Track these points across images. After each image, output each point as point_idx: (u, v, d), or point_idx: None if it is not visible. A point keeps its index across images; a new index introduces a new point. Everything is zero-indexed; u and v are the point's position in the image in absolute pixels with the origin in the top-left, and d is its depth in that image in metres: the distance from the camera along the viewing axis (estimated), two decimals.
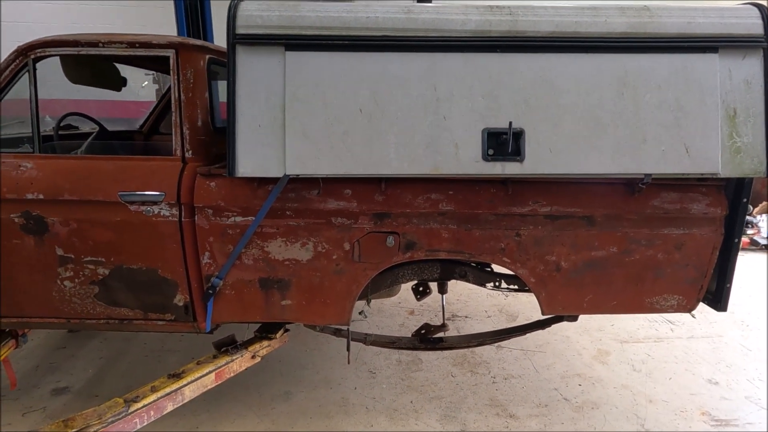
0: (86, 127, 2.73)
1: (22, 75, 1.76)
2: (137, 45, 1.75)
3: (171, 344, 2.86)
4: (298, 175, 1.60)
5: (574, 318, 2.11)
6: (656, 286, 1.81)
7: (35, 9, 6.03)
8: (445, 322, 2.47)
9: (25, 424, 2.16)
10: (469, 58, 1.58)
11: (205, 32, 3.94)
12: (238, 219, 1.74)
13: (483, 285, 2.18)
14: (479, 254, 1.79)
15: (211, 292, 1.79)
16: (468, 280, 2.16)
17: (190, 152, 1.79)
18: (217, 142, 1.92)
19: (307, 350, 2.85)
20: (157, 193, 1.72)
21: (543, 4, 1.62)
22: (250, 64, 1.57)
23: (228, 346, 1.99)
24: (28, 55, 1.75)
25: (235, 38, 1.55)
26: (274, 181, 1.68)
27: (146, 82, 4.45)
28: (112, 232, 1.75)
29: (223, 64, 2.04)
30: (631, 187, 1.70)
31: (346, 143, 1.58)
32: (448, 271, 2.12)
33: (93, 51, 1.75)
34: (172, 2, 3.79)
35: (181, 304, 1.85)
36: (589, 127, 1.58)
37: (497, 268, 2.01)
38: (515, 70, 1.58)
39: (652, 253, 1.76)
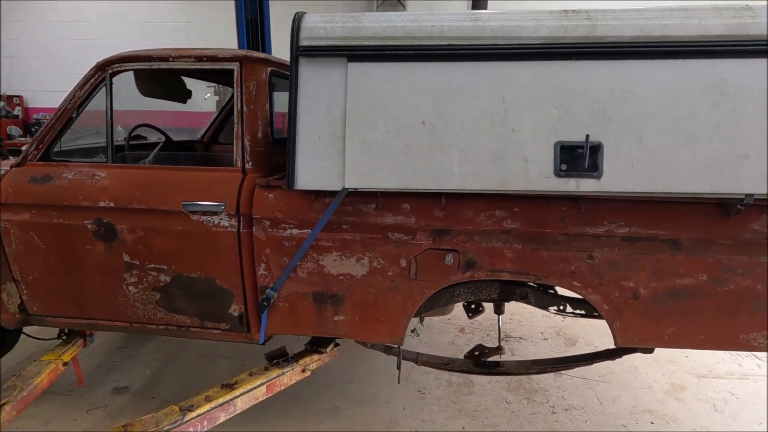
0: (153, 137, 2.88)
1: (101, 89, 1.86)
2: (204, 59, 1.79)
3: (223, 350, 2.91)
4: (356, 189, 1.56)
5: (649, 350, 1.90)
6: (754, 320, 1.59)
7: (117, 31, 6.55)
8: (501, 344, 2.34)
9: (89, 420, 2.26)
10: (540, 66, 1.48)
11: (264, 45, 4.06)
12: (295, 231, 1.72)
13: (545, 308, 2.03)
14: (546, 276, 1.65)
15: (265, 304, 1.78)
16: (529, 302, 2.01)
17: (250, 163, 1.81)
18: (275, 153, 1.93)
19: (354, 364, 2.80)
20: (218, 203, 1.74)
21: (624, 6, 1.49)
22: (312, 76, 1.56)
23: (279, 359, 1.97)
24: (106, 70, 1.84)
25: (298, 50, 1.55)
26: (331, 194, 1.65)
27: (208, 95, 4.67)
28: (175, 241, 1.79)
29: (283, 76, 2.06)
30: (727, 209, 1.51)
31: (407, 156, 1.52)
32: (507, 291, 1.99)
33: (164, 65, 1.81)
34: (234, 21, 3.97)
35: (236, 314, 1.86)
36: (677, 141, 1.42)
37: (562, 290, 1.86)
38: (592, 79, 1.45)
39: (750, 283, 1.54)
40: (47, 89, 7.32)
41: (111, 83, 1.85)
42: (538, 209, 1.61)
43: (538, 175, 1.47)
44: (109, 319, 1.96)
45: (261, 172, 1.83)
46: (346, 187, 1.55)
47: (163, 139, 2.53)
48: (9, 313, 2.01)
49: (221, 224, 1.75)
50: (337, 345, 2.15)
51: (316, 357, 2.06)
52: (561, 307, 1.99)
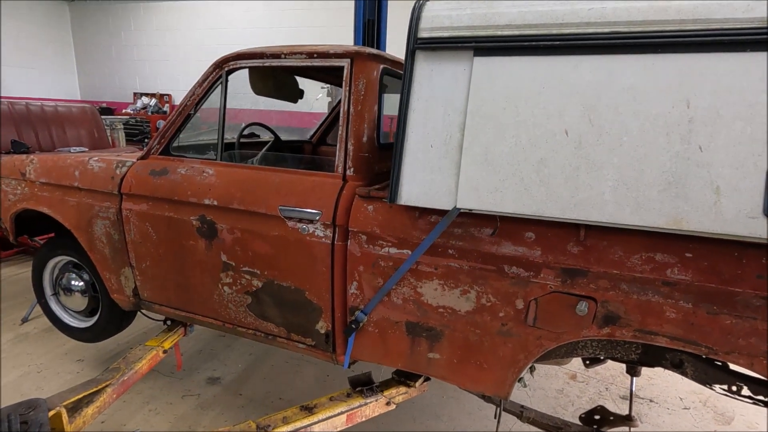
0: (265, 135, 2.93)
1: (217, 86, 1.86)
2: (315, 55, 1.67)
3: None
4: (471, 210, 1.28)
5: None
6: None
7: (248, 35, 7.15)
8: (633, 414, 1.86)
9: (183, 406, 2.33)
10: (751, 59, 1.04)
11: (379, 47, 3.97)
12: (393, 251, 1.51)
13: (708, 385, 1.52)
14: (726, 352, 1.19)
15: (354, 327, 1.60)
16: (684, 373, 1.53)
17: (352, 170, 1.64)
18: (380, 159, 1.75)
19: (444, 397, 2.51)
20: (314, 211, 1.61)
21: None
22: (429, 73, 1.32)
23: (364, 386, 1.78)
24: (223, 68, 1.83)
25: (416, 43, 1.32)
26: (438, 212, 1.40)
27: (320, 95, 4.78)
28: (269, 246, 1.70)
29: (396, 76, 1.87)
30: None
31: (541, 175, 1.20)
32: (654, 354, 1.54)
33: (276, 62, 1.74)
34: (351, 23, 3.96)
35: (322, 331, 1.72)
36: None
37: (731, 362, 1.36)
38: None
39: None
40: (189, 89, 8.33)
41: (227, 80, 1.84)
42: (724, 258, 1.16)
43: (735, 213, 1.04)
44: (205, 315, 1.97)
45: (363, 180, 1.65)
46: (458, 207, 1.28)
47: (273, 138, 2.53)
48: (125, 296, 2.14)
49: (316, 233, 1.61)
50: (428, 379, 1.90)
51: (403, 389, 1.83)
52: (735, 388, 1.47)
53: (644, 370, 2.89)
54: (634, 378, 1.87)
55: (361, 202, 1.56)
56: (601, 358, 1.65)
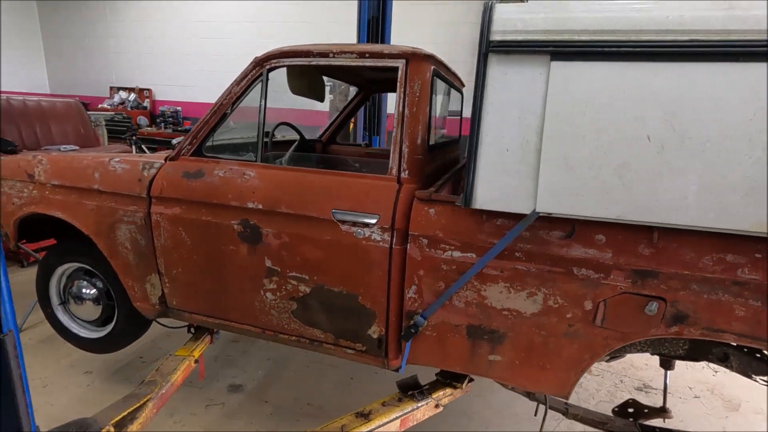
0: (279, 135, 2.85)
1: (256, 85, 1.79)
2: (367, 55, 1.64)
3: (330, 359, 2.81)
4: (550, 214, 1.29)
5: None
6: None
7: (233, 30, 6.91)
8: (667, 407, 1.93)
9: (208, 416, 2.25)
10: None
11: (383, 40, 3.93)
12: (456, 254, 1.50)
13: (750, 376, 1.60)
14: None
15: (413, 331, 1.59)
16: (729, 366, 1.61)
17: (407, 172, 1.62)
18: (430, 161, 1.73)
19: (470, 395, 2.53)
20: (372, 214, 1.58)
21: None
22: (502, 77, 1.31)
23: (413, 390, 1.77)
24: (264, 66, 1.76)
25: (489, 46, 1.31)
26: (507, 215, 1.41)
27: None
28: (320, 251, 1.65)
29: (440, 77, 1.86)
30: None
31: (623, 179, 1.22)
32: (700, 349, 1.61)
33: (323, 61, 1.69)
34: (347, 20, 3.91)
35: (375, 336, 1.69)
36: None
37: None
38: None
39: None
40: (171, 83, 7.98)
41: (267, 79, 1.78)
42: None
43: None
44: (242, 322, 1.90)
45: (416, 182, 1.63)
46: (537, 210, 1.29)
47: (298, 138, 2.46)
48: (150, 304, 2.04)
49: (372, 237, 1.58)
50: (471, 380, 1.91)
51: (449, 391, 1.83)
52: None
53: (648, 360, 3.02)
54: (668, 372, 1.95)
55: (421, 205, 1.54)
56: (650, 354, 1.71)
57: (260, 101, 1.77)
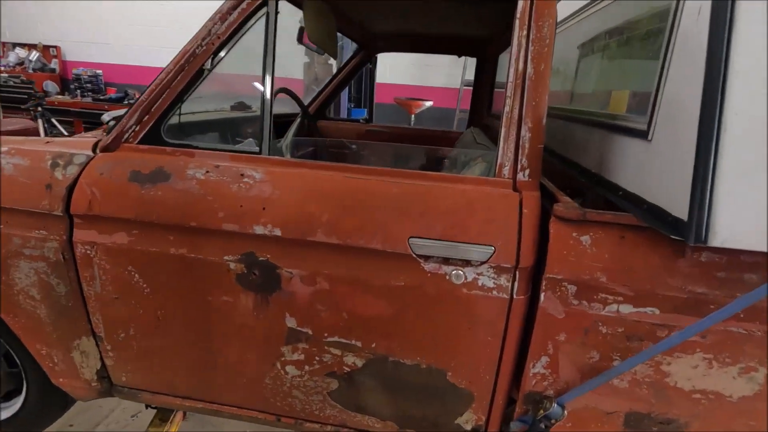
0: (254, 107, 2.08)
1: (258, 19, 1.05)
2: None
3: None
4: None
5: None
6: None
7: None
8: None
9: None
10: None
11: None
12: (625, 309, 0.92)
13: None
14: None
15: (543, 426, 1.00)
16: None
17: (527, 172, 0.99)
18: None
19: None
20: (480, 245, 0.94)
21: None
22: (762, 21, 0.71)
23: None
24: None
25: None
26: (718, 249, 0.84)
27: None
28: (386, 303, 1.00)
29: None
30: None
31: None
32: None
33: None
34: None
35: (468, 427, 1.09)
36: None
37: None
38: None
39: None
40: (87, 40, 6.48)
41: (277, 12, 1.04)
42: None
43: None
44: (241, 406, 1.21)
45: (538, 188, 1.01)
46: None
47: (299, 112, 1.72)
48: (82, 381, 1.27)
49: (480, 284, 0.96)
50: None
51: None
52: None
53: None
54: None
55: (566, 229, 0.93)
56: None
57: (265, 45, 1.04)
